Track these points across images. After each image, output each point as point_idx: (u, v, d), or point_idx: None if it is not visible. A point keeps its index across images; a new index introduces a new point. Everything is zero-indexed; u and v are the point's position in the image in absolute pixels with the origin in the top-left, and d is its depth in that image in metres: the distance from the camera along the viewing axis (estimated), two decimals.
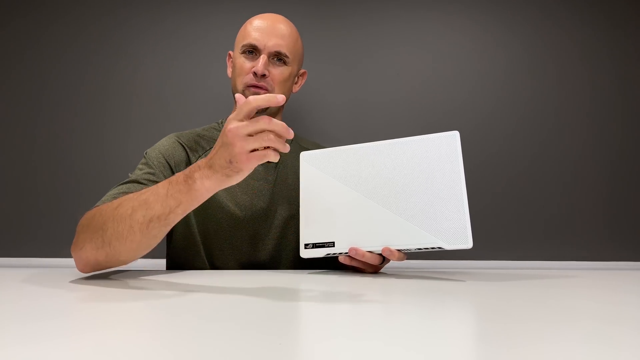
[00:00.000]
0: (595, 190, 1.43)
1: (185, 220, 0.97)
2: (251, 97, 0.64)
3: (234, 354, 0.32)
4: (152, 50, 1.43)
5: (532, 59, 1.47)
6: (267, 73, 1.00)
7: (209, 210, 0.97)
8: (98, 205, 0.81)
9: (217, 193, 0.97)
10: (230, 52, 1.11)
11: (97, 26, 1.43)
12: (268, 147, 0.64)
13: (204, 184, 0.66)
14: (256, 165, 0.64)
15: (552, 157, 1.44)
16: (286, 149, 0.65)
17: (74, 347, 0.34)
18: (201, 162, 0.68)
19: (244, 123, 0.62)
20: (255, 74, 0.99)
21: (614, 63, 1.47)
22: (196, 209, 0.97)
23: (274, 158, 0.63)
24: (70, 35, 1.43)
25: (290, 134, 0.64)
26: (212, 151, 0.67)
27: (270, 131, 0.63)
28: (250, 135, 0.62)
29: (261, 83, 1.00)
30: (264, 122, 0.62)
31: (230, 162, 0.63)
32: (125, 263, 0.77)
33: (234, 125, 0.63)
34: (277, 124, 0.63)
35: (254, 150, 0.62)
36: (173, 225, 0.72)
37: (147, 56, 1.43)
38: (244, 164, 0.62)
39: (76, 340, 0.35)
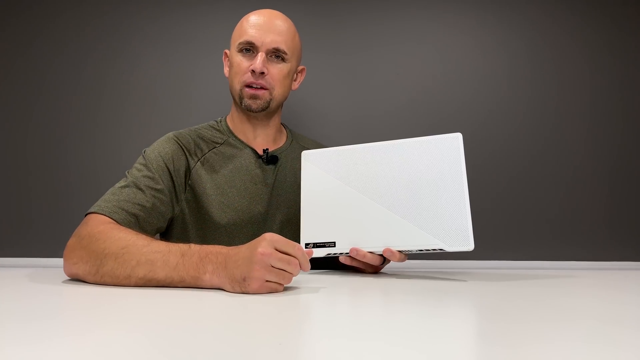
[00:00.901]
0: (596, 191, 1.43)
1: (183, 225, 0.97)
2: (298, 247, 0.65)
3: (234, 353, 0.32)
4: (149, 49, 1.43)
5: (533, 60, 1.47)
6: (265, 71, 0.97)
7: (206, 215, 0.96)
8: (96, 213, 0.80)
9: (213, 199, 0.96)
10: (226, 50, 1.07)
11: (94, 25, 1.43)
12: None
13: (212, 280, 0.65)
14: (264, 293, 0.63)
15: (553, 157, 1.43)
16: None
17: (72, 346, 0.34)
18: (220, 253, 0.66)
19: (277, 255, 0.62)
20: (253, 72, 0.97)
21: (616, 63, 1.47)
22: (193, 214, 0.96)
23: (279, 289, 0.64)
24: (67, 34, 1.43)
25: (308, 269, 0.66)
26: (235, 250, 0.66)
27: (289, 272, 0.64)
28: (274, 267, 0.62)
29: (260, 81, 0.98)
30: (294, 266, 0.63)
31: (244, 279, 0.62)
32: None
33: (268, 250, 0.62)
34: (303, 262, 0.65)
35: (269, 281, 0.62)
36: None
37: (144, 55, 1.43)
38: (254, 289, 0.61)
39: (74, 340, 0.35)
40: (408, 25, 1.47)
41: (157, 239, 0.73)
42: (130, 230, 0.76)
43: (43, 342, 0.34)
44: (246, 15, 1.03)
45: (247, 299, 0.56)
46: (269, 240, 0.63)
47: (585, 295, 0.65)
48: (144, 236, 0.73)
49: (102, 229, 0.75)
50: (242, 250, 0.64)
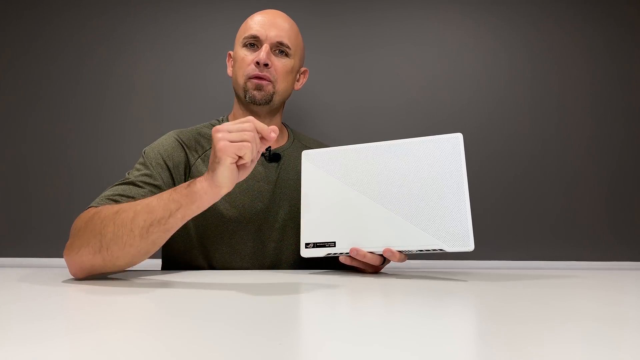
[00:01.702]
0: (596, 191, 1.43)
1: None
2: (250, 118, 0.72)
3: (233, 354, 0.32)
4: (150, 49, 1.43)
5: (533, 60, 1.47)
6: (269, 63, 0.99)
7: (207, 213, 0.95)
8: (92, 207, 0.80)
9: None
10: (230, 52, 1.10)
11: (95, 25, 1.44)
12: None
13: (202, 185, 0.70)
14: (233, 155, 0.68)
15: (553, 158, 1.44)
16: (262, 146, 0.73)
17: (71, 347, 0.34)
18: (204, 174, 0.72)
19: (229, 126, 0.69)
20: (257, 63, 0.98)
21: (617, 63, 1.47)
22: None
23: (249, 153, 0.69)
24: (68, 34, 1.43)
25: (271, 137, 0.71)
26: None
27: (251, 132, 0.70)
28: (232, 139, 0.68)
29: (264, 73, 0.99)
30: (249, 123, 0.70)
31: (215, 155, 0.68)
32: (122, 269, 0.76)
33: (220, 125, 0.70)
34: (260, 125, 0.71)
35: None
36: (173, 232, 0.73)
37: (145, 54, 1.43)
38: (222, 152, 0.67)
39: (73, 340, 0.35)
40: (409, 25, 1.47)
41: None
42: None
43: (41, 342, 0.34)
44: (251, 15, 1.06)
45: (247, 298, 0.56)
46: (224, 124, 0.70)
47: (585, 295, 0.65)
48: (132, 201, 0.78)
49: (91, 214, 0.76)
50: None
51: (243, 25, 1.06)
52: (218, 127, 0.69)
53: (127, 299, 0.56)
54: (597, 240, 1.41)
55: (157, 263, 1.13)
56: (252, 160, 0.72)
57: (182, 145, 0.99)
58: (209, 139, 1.03)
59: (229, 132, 0.68)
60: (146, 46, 1.43)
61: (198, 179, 0.72)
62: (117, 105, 1.41)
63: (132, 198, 0.83)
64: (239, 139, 0.68)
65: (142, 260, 0.76)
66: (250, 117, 0.71)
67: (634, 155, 1.44)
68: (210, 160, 0.70)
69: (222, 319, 0.45)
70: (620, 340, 0.37)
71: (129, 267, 0.76)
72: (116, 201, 0.82)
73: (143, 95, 1.42)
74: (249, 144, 0.68)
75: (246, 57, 1.01)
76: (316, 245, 0.87)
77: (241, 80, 1.02)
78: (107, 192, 0.84)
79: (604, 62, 1.47)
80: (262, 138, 0.72)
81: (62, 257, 1.30)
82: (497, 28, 1.48)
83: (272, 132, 0.71)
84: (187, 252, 0.98)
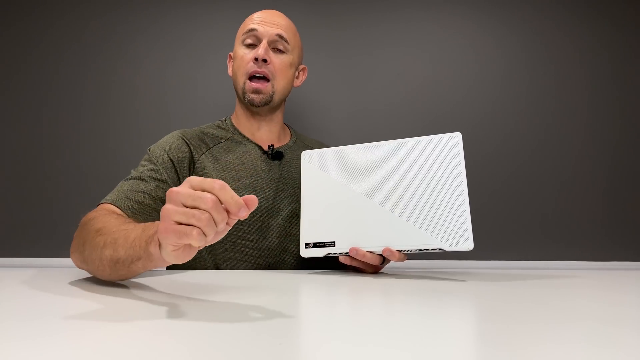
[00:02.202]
0: (595, 190, 1.43)
1: None
2: (217, 186, 0.49)
3: (234, 353, 0.32)
4: (153, 49, 1.43)
5: (530, 60, 1.47)
6: (268, 59, 1.00)
7: None
8: (102, 204, 0.83)
9: None
10: (231, 53, 1.11)
11: (96, 26, 1.43)
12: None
13: (155, 251, 0.55)
14: (174, 242, 0.50)
15: (552, 157, 1.44)
16: (213, 238, 0.51)
17: (74, 346, 0.34)
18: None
19: (186, 190, 0.49)
20: (256, 59, 1.00)
21: (612, 62, 1.47)
22: None
23: (196, 242, 0.48)
24: (71, 34, 1.43)
25: (243, 213, 0.49)
26: None
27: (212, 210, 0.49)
28: (185, 205, 0.49)
29: (262, 69, 1.01)
30: (206, 200, 0.48)
31: (158, 231, 0.51)
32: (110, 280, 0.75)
33: (177, 189, 0.49)
34: (226, 200, 0.49)
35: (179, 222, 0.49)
36: (138, 273, 0.65)
37: (148, 55, 1.43)
38: (162, 235, 0.49)
39: (76, 341, 0.35)
40: (408, 26, 1.47)
41: (136, 222, 0.69)
42: (115, 215, 0.76)
43: (44, 342, 0.34)
44: (250, 15, 1.09)
45: (247, 298, 0.56)
46: (187, 179, 0.51)
47: (585, 295, 0.65)
48: (123, 219, 0.71)
49: (94, 215, 0.75)
50: None
51: (242, 24, 1.08)
52: (171, 192, 0.49)
53: (126, 300, 0.56)
54: (597, 240, 1.41)
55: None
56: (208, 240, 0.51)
57: (186, 142, 1.01)
58: (212, 138, 1.05)
59: (178, 207, 0.49)
60: (148, 47, 1.43)
61: (154, 238, 0.55)
62: (119, 106, 1.41)
63: (143, 193, 0.86)
64: (186, 221, 0.48)
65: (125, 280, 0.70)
66: (218, 185, 0.49)
67: (632, 155, 1.44)
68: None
69: (222, 319, 0.44)
70: (620, 340, 0.37)
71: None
72: (131, 199, 0.84)
73: (145, 97, 1.42)
74: (196, 231, 0.48)
75: (245, 55, 1.03)
76: (316, 245, 0.87)
77: (241, 80, 1.03)
78: (119, 188, 0.86)
79: (601, 62, 1.47)
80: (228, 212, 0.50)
81: (64, 257, 1.31)
82: (494, 29, 1.48)
83: (242, 209, 0.49)
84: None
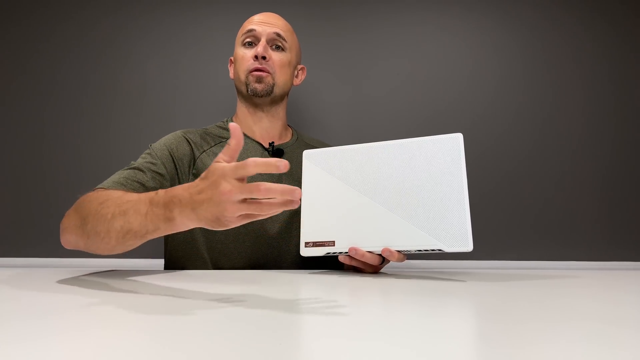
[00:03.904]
0: (595, 190, 1.43)
1: None
2: (251, 161, 0.56)
3: (233, 353, 0.32)
4: (156, 52, 1.43)
5: (529, 60, 1.47)
6: (267, 56, 1.04)
7: None
8: (98, 188, 0.84)
9: None
10: (231, 58, 1.15)
11: (101, 28, 1.43)
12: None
13: (184, 222, 0.62)
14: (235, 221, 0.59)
15: (552, 157, 1.44)
16: (277, 210, 0.58)
17: (69, 347, 0.33)
18: (182, 196, 0.61)
19: (239, 187, 0.56)
20: (256, 57, 1.04)
21: (610, 62, 1.47)
22: None
23: (265, 215, 0.58)
24: (74, 37, 1.43)
25: (295, 195, 0.55)
26: (195, 190, 0.60)
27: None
28: (244, 200, 0.56)
29: (263, 66, 1.04)
30: (262, 190, 0.54)
31: (218, 219, 0.58)
32: (105, 254, 0.77)
33: (228, 188, 0.56)
34: (276, 190, 0.55)
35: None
36: (146, 241, 0.71)
37: (151, 57, 1.43)
38: (233, 224, 0.59)
39: (72, 340, 0.35)
40: (408, 27, 1.48)
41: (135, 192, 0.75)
42: (116, 189, 0.79)
43: (42, 342, 0.34)
44: (248, 19, 1.13)
45: (247, 298, 0.56)
46: (226, 175, 0.57)
47: (584, 295, 0.65)
48: (123, 191, 0.75)
49: (91, 194, 0.77)
50: (204, 189, 0.59)
51: (241, 27, 1.12)
52: (225, 193, 0.56)
53: (125, 300, 0.56)
54: (596, 240, 1.41)
55: (159, 263, 1.13)
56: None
57: (187, 141, 1.03)
58: (214, 137, 1.07)
59: (241, 201, 0.57)
60: (151, 50, 1.43)
61: (176, 209, 0.62)
62: (121, 108, 1.41)
63: (138, 183, 0.88)
64: (252, 211, 0.57)
65: (124, 251, 0.74)
66: (262, 187, 0.55)
67: (631, 155, 1.44)
68: (208, 215, 0.59)
69: (222, 319, 0.44)
70: (620, 339, 0.37)
71: (111, 254, 0.76)
72: (126, 186, 0.86)
73: (147, 99, 1.42)
74: (262, 217, 0.59)
75: (245, 55, 1.07)
76: (316, 244, 0.88)
77: (242, 76, 1.06)
78: (113, 177, 0.88)
79: (599, 61, 1.47)
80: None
81: (60, 257, 1.31)
82: (493, 29, 1.48)
83: (289, 191, 0.55)
84: (188, 246, 0.99)
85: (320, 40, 1.46)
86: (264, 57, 1.04)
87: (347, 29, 1.47)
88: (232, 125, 0.59)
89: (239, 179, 0.57)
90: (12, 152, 1.37)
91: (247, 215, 0.58)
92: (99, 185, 0.86)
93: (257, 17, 1.10)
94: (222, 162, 0.59)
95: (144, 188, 0.88)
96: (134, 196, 0.69)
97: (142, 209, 0.66)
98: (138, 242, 0.70)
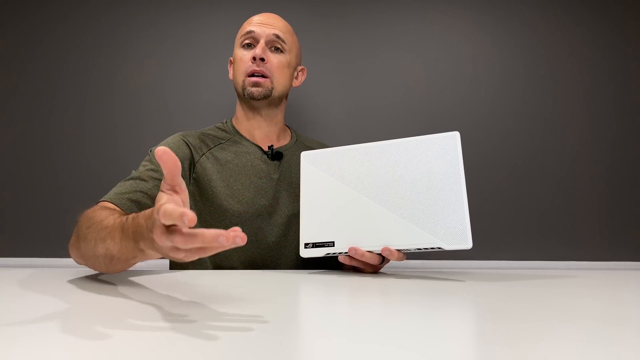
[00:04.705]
0: (594, 190, 1.43)
1: None
2: (162, 211, 0.46)
3: (234, 353, 0.32)
4: (155, 52, 1.43)
5: (528, 59, 1.47)
6: (265, 58, 1.03)
7: (211, 208, 0.98)
8: (100, 201, 0.84)
9: (219, 191, 0.99)
10: (231, 58, 1.14)
11: (99, 28, 1.43)
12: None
13: (152, 254, 0.57)
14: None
15: (552, 157, 1.44)
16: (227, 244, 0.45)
17: (72, 347, 0.33)
18: (144, 228, 0.55)
19: (163, 235, 0.47)
20: (254, 59, 1.03)
21: (611, 62, 1.47)
22: (199, 206, 0.99)
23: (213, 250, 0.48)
24: (72, 37, 1.42)
25: (222, 242, 0.43)
26: (150, 223, 0.52)
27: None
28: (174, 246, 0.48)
29: (260, 68, 1.03)
30: (179, 241, 0.46)
31: (170, 256, 0.51)
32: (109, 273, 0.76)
33: (157, 234, 0.48)
34: (196, 241, 0.45)
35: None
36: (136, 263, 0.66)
37: (149, 57, 1.43)
38: (184, 260, 0.50)
39: (73, 341, 0.35)
40: (406, 27, 1.48)
41: (116, 213, 0.72)
42: (105, 209, 0.76)
43: (44, 342, 0.34)
44: (247, 19, 1.12)
45: (247, 297, 0.56)
46: (155, 218, 0.49)
47: (584, 295, 0.65)
48: (108, 212, 0.72)
49: (88, 212, 0.76)
50: (148, 225, 0.53)
51: (240, 28, 1.11)
52: (157, 242, 0.49)
53: (127, 300, 0.56)
54: (596, 240, 1.41)
55: (164, 262, 1.13)
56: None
57: (187, 144, 1.02)
58: (213, 139, 1.07)
59: (173, 247, 0.49)
60: (150, 50, 1.43)
61: (141, 243, 0.56)
62: (120, 108, 1.41)
63: (141, 192, 0.87)
64: (191, 256, 0.48)
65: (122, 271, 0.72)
66: (178, 239, 0.46)
67: (631, 155, 1.44)
68: (165, 253, 0.51)
69: (221, 319, 0.44)
70: (620, 339, 0.37)
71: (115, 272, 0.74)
72: (129, 198, 0.85)
73: (147, 99, 1.42)
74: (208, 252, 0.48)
75: (244, 56, 1.06)
76: (315, 245, 0.88)
77: (240, 79, 1.06)
78: (119, 188, 0.88)
79: (599, 61, 1.47)
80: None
81: (64, 257, 1.31)
82: (492, 29, 1.48)
83: (214, 237, 0.43)
84: None
85: (320, 39, 1.46)
86: (262, 59, 1.03)
87: (346, 28, 1.47)
88: (159, 152, 0.49)
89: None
90: (11, 152, 1.37)
91: (195, 253, 0.48)
92: (102, 198, 0.85)
93: (256, 18, 1.08)
94: (162, 195, 0.51)
95: (148, 197, 0.88)
96: (110, 221, 0.65)
97: (117, 236, 0.61)
98: (126, 266, 0.66)
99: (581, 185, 1.43)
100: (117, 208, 0.82)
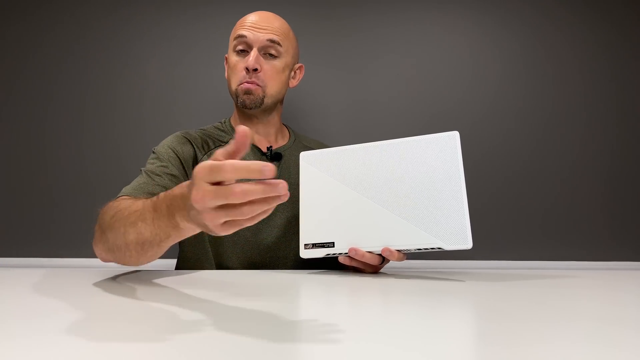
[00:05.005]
0: (595, 190, 1.43)
1: None
2: (228, 164, 0.47)
3: (234, 353, 0.32)
4: (156, 51, 1.43)
5: (528, 59, 1.47)
6: (258, 67, 1.00)
7: None
8: (120, 196, 0.83)
9: None
10: (226, 55, 1.11)
11: (101, 27, 1.43)
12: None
13: (190, 227, 0.56)
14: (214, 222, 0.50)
15: (552, 157, 1.43)
16: (267, 212, 0.50)
17: (80, 346, 0.33)
18: (179, 197, 0.56)
19: (211, 192, 0.47)
20: (247, 69, 1.00)
21: (611, 62, 1.47)
22: None
23: (251, 223, 0.50)
24: (74, 36, 1.42)
25: (280, 189, 0.47)
26: (187, 190, 0.53)
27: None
28: (218, 206, 0.48)
29: (253, 79, 1.01)
30: (237, 194, 0.46)
31: (205, 226, 0.51)
32: (139, 266, 0.76)
33: (199, 194, 0.48)
34: (255, 191, 0.46)
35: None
36: (168, 248, 0.67)
37: (149, 57, 1.43)
38: (221, 232, 0.50)
39: (75, 340, 0.35)
40: (406, 26, 1.47)
41: (142, 198, 0.72)
42: (127, 197, 0.76)
43: (52, 342, 0.34)
44: (241, 18, 1.07)
45: (247, 298, 0.56)
46: (197, 178, 0.48)
47: (585, 295, 0.65)
48: (131, 199, 0.71)
49: (109, 205, 0.75)
50: (186, 192, 0.53)
51: (234, 27, 1.07)
52: (197, 200, 0.48)
53: (132, 300, 0.56)
54: (596, 240, 1.41)
55: (172, 263, 1.13)
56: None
57: (189, 142, 1.02)
58: (214, 140, 1.06)
59: (217, 207, 0.49)
60: (151, 49, 1.43)
61: (177, 215, 0.57)
62: (121, 107, 1.41)
63: (159, 185, 0.87)
64: (232, 218, 0.49)
65: (153, 260, 0.71)
66: (238, 188, 0.47)
67: (631, 155, 1.44)
68: (200, 224, 0.52)
69: (221, 318, 0.44)
70: (620, 339, 0.37)
71: (144, 264, 0.72)
72: (149, 192, 0.84)
73: (148, 98, 1.42)
74: (247, 222, 0.50)
75: (237, 64, 1.03)
76: (315, 245, 0.87)
77: (233, 87, 1.04)
78: (136, 183, 0.87)
79: (599, 61, 1.47)
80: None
81: (71, 257, 1.31)
82: (492, 29, 1.48)
83: (271, 189, 0.47)
84: (197, 247, 1.01)
85: (319, 39, 1.46)
86: (255, 69, 1.00)
87: (346, 28, 1.46)
88: (240, 129, 0.48)
89: (214, 183, 0.48)
90: (11, 152, 1.37)
91: (232, 223, 0.49)
92: (121, 194, 0.84)
93: (249, 20, 1.03)
94: (199, 166, 0.49)
95: (165, 190, 0.84)
96: (139, 204, 0.65)
97: (148, 217, 0.61)
98: (159, 251, 0.65)
99: (581, 185, 1.42)
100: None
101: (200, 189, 0.47)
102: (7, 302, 0.53)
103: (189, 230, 0.57)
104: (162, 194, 0.62)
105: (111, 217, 0.69)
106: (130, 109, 1.41)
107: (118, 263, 0.74)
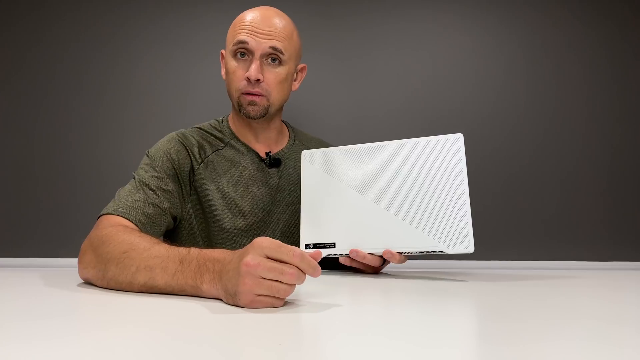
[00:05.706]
0: (595, 191, 1.43)
1: (190, 228, 0.96)
2: (298, 252, 0.52)
3: (234, 353, 0.32)
4: (149, 51, 1.43)
5: (531, 60, 1.47)
6: (261, 78, 0.93)
7: (210, 219, 0.96)
8: (111, 214, 0.79)
9: (216, 202, 0.95)
10: (223, 51, 1.03)
11: (93, 28, 1.43)
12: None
13: (210, 290, 0.58)
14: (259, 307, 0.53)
15: (553, 157, 1.44)
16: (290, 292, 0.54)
17: (76, 345, 0.34)
18: (217, 264, 0.58)
19: (266, 264, 0.51)
20: (249, 79, 0.93)
21: (613, 62, 1.47)
22: (199, 218, 0.96)
23: (278, 304, 0.53)
24: (68, 35, 1.42)
25: (316, 273, 0.53)
26: (228, 263, 0.56)
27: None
28: (265, 278, 0.51)
29: (256, 89, 0.94)
30: (288, 276, 0.51)
31: (235, 294, 0.52)
32: None
33: (255, 261, 0.51)
34: (301, 278, 0.52)
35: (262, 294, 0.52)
36: None
37: (144, 56, 1.43)
38: (245, 304, 0.52)
39: (75, 340, 0.35)
40: (408, 27, 1.47)
41: (160, 242, 0.70)
42: (135, 232, 0.73)
43: (47, 341, 0.34)
44: (241, 14, 0.98)
45: None
46: (258, 247, 0.52)
47: (585, 295, 0.65)
48: (147, 239, 0.69)
49: (109, 232, 0.72)
50: (234, 258, 0.55)
51: (232, 26, 0.98)
52: (250, 265, 0.51)
53: (128, 304, 0.56)
54: (596, 240, 1.41)
55: None
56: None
57: (186, 150, 0.97)
58: (212, 144, 1.01)
59: (260, 281, 0.51)
60: (145, 47, 1.43)
61: (206, 276, 0.58)
62: (117, 107, 1.41)
63: (153, 205, 0.84)
64: (269, 294, 0.52)
65: None
66: (298, 256, 0.52)
67: (632, 155, 1.44)
68: (229, 288, 0.53)
69: (222, 319, 0.44)
70: (620, 339, 0.37)
71: None
72: (141, 211, 0.82)
73: (143, 96, 1.42)
74: (278, 303, 0.52)
75: (237, 70, 0.95)
76: (316, 246, 0.87)
77: (235, 94, 0.97)
78: (129, 198, 0.83)
79: (601, 62, 1.47)
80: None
81: (65, 257, 1.31)
82: (495, 29, 1.48)
83: (316, 272, 0.53)
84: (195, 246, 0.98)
85: (322, 40, 1.46)
86: (257, 80, 0.93)
87: (349, 28, 1.46)
88: (314, 255, 0.55)
89: (271, 258, 0.52)
90: (11, 152, 1.37)
91: (261, 303, 0.52)
92: (112, 211, 0.80)
93: (249, 19, 0.94)
94: (268, 240, 0.53)
95: (159, 209, 0.85)
96: (162, 250, 0.64)
97: (171, 267, 0.61)
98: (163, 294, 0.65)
99: (582, 186, 1.42)
100: (131, 224, 0.79)
101: (258, 257, 0.51)
102: (7, 302, 0.53)
103: (207, 294, 0.58)
104: (193, 250, 0.62)
105: (122, 253, 0.66)
106: (127, 109, 1.41)
107: (102, 287, 0.69)
